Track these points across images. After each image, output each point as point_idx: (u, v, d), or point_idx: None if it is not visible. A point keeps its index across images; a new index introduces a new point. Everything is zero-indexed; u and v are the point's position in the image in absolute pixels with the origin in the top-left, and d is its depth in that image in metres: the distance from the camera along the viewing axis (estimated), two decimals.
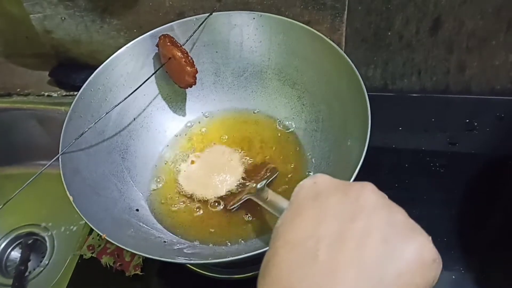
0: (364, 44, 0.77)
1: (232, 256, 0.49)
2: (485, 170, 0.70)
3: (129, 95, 0.63)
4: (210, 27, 0.68)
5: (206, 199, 0.64)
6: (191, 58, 0.64)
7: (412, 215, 0.65)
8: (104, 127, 0.64)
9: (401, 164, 0.71)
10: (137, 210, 0.61)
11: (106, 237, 0.50)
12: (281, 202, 0.53)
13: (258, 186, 0.61)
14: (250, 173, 0.66)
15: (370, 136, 0.53)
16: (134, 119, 0.68)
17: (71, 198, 0.52)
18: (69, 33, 0.83)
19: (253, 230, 0.59)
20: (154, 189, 0.65)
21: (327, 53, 0.63)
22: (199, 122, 0.72)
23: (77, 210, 0.51)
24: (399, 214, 0.34)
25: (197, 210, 0.63)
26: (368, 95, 0.56)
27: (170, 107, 0.71)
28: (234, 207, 0.62)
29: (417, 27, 0.74)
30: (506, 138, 0.73)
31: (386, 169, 0.71)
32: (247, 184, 0.64)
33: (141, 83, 0.65)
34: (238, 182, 0.64)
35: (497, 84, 0.78)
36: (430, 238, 0.33)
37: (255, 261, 0.61)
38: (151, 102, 0.69)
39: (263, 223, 0.60)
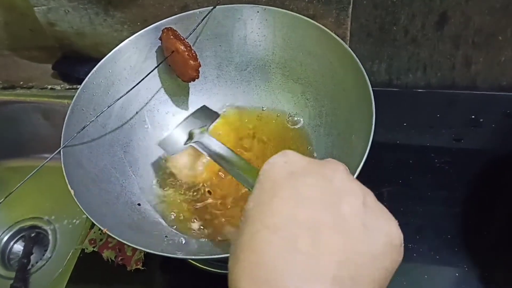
0: (369, 38, 0.77)
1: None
2: (490, 167, 0.69)
3: (131, 89, 0.63)
4: (214, 20, 0.68)
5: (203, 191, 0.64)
6: (194, 51, 0.64)
7: (416, 211, 0.66)
8: (106, 120, 0.64)
9: (405, 160, 0.71)
10: (139, 204, 0.61)
11: (107, 231, 0.50)
12: (219, 148, 0.52)
13: (196, 130, 0.60)
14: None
15: (374, 132, 0.52)
16: (137, 112, 0.67)
17: (72, 192, 0.52)
18: (73, 25, 0.83)
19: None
20: (156, 184, 0.65)
21: (331, 47, 0.62)
22: None
23: (78, 204, 0.51)
24: (370, 197, 0.33)
25: (199, 204, 0.62)
26: (373, 90, 0.55)
27: (172, 101, 0.71)
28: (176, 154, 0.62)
29: (423, 22, 0.73)
30: None
31: (390, 165, 0.71)
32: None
33: (143, 77, 0.64)
34: None
35: (503, 80, 0.78)
36: (397, 221, 0.33)
37: None
38: (153, 96, 0.69)
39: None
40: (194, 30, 0.66)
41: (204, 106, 0.66)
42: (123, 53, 0.66)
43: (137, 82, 0.63)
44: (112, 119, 0.64)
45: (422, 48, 0.76)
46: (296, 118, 0.69)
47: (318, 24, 0.64)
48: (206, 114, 0.64)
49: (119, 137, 0.65)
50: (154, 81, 0.69)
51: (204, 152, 0.55)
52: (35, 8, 0.80)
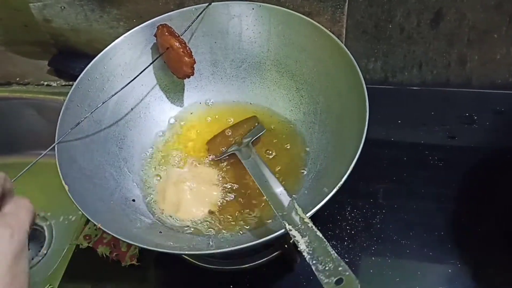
0: (364, 36, 0.77)
1: (227, 247, 0.49)
2: (484, 164, 0.69)
3: (126, 85, 0.63)
4: (209, 17, 0.68)
5: None
6: (189, 48, 0.64)
7: (409, 208, 0.66)
8: (101, 116, 0.64)
9: (400, 158, 0.71)
10: (133, 200, 0.61)
11: (101, 227, 0.50)
12: (262, 166, 0.56)
13: (244, 140, 0.64)
14: (237, 127, 0.68)
15: (369, 129, 0.53)
16: (132, 109, 0.67)
17: (66, 187, 0.52)
18: (69, 22, 0.83)
19: (248, 221, 0.59)
20: (150, 179, 0.65)
21: (326, 44, 0.63)
22: (197, 113, 0.72)
23: (72, 199, 0.51)
24: None
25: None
26: (368, 88, 0.56)
27: (168, 97, 0.71)
28: (220, 158, 0.65)
29: (418, 19, 0.73)
30: (505, 132, 0.72)
31: (385, 162, 0.71)
32: (232, 137, 0.67)
33: (138, 73, 0.64)
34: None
35: (498, 78, 0.78)
36: None
37: (251, 253, 0.61)
38: (148, 92, 0.69)
39: (258, 215, 0.60)
40: (189, 27, 0.67)
41: (254, 117, 0.69)
42: (118, 49, 0.66)
43: (132, 78, 0.64)
44: (107, 115, 0.64)
45: (417, 45, 0.76)
46: (285, 114, 0.69)
47: (313, 22, 0.64)
48: (254, 125, 0.68)
49: (114, 133, 0.65)
50: (149, 78, 0.69)
51: (243, 162, 0.60)
52: (31, 4, 0.80)
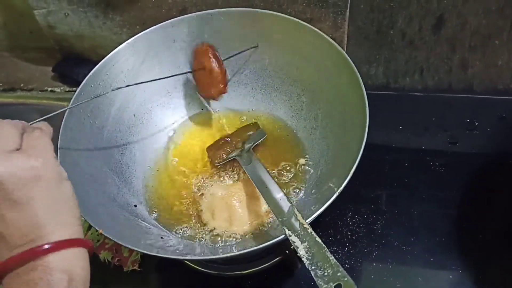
0: (366, 42, 0.77)
1: (229, 253, 0.49)
2: (485, 169, 0.69)
3: (137, 84, 0.64)
4: (211, 23, 0.68)
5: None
6: (228, 77, 0.66)
7: (410, 213, 0.66)
8: (104, 122, 0.64)
9: (401, 163, 0.71)
10: (135, 205, 0.61)
11: (102, 232, 0.50)
12: (262, 171, 0.57)
13: (246, 145, 0.64)
14: (238, 133, 0.68)
15: (371, 134, 0.53)
16: (134, 115, 0.68)
17: None
18: (73, 28, 0.84)
19: (249, 228, 0.60)
20: (152, 185, 0.66)
21: (327, 51, 0.63)
22: (199, 119, 0.72)
23: None
24: None
25: (194, 206, 0.63)
26: (370, 93, 0.56)
27: (169, 104, 0.71)
28: (220, 164, 0.65)
29: (420, 25, 0.73)
30: (507, 138, 0.72)
31: (386, 168, 0.71)
32: (232, 143, 0.67)
33: (165, 76, 0.66)
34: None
35: (500, 84, 0.78)
36: None
37: (252, 258, 0.61)
38: (151, 99, 0.70)
39: (259, 221, 0.60)
40: (234, 56, 0.68)
41: (255, 122, 0.69)
42: (121, 55, 0.66)
43: (152, 79, 0.65)
44: (109, 121, 0.65)
45: (419, 51, 0.76)
46: (287, 120, 0.70)
47: (314, 28, 0.64)
48: (255, 131, 0.68)
49: (116, 139, 0.65)
50: (151, 85, 0.69)
51: (244, 168, 0.60)
52: (35, 11, 0.81)
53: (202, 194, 0.64)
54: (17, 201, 0.37)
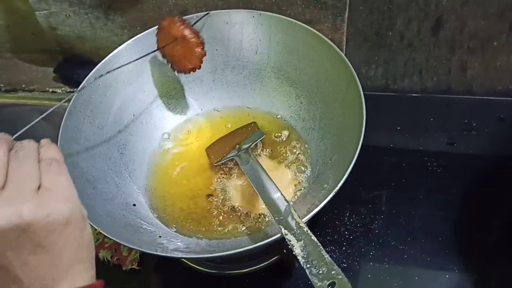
0: (365, 43, 0.77)
1: (226, 251, 0.49)
2: (484, 171, 0.69)
3: (122, 65, 0.63)
4: (211, 24, 0.69)
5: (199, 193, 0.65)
6: (203, 38, 0.62)
7: (408, 214, 0.66)
8: (104, 122, 0.65)
9: (399, 164, 0.71)
10: (134, 205, 0.62)
11: (101, 231, 0.50)
12: (260, 171, 0.57)
13: (243, 145, 0.64)
14: (236, 133, 0.69)
15: (369, 135, 0.53)
16: (134, 115, 0.68)
17: None
18: (74, 30, 0.84)
19: (248, 226, 0.60)
20: (152, 185, 0.66)
21: (325, 52, 0.63)
22: (198, 119, 0.73)
23: None
24: None
25: (194, 205, 0.63)
26: (369, 94, 0.56)
27: (169, 104, 0.72)
28: (219, 164, 0.66)
29: (419, 26, 0.73)
30: (505, 139, 0.73)
31: (384, 169, 0.71)
32: (231, 142, 0.67)
33: (141, 57, 0.64)
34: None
35: (499, 85, 0.78)
36: None
37: (252, 257, 0.62)
38: (150, 99, 0.70)
39: (257, 220, 0.60)
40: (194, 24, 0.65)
41: (254, 123, 0.70)
42: (121, 56, 0.67)
43: (136, 58, 0.63)
44: (109, 121, 0.65)
45: (418, 52, 0.77)
46: (285, 121, 0.70)
47: (313, 30, 0.65)
48: (254, 131, 0.68)
49: (116, 139, 0.66)
50: (151, 84, 0.70)
51: (242, 167, 0.60)
52: (37, 12, 0.82)
53: (211, 195, 0.64)
54: (45, 247, 0.35)
